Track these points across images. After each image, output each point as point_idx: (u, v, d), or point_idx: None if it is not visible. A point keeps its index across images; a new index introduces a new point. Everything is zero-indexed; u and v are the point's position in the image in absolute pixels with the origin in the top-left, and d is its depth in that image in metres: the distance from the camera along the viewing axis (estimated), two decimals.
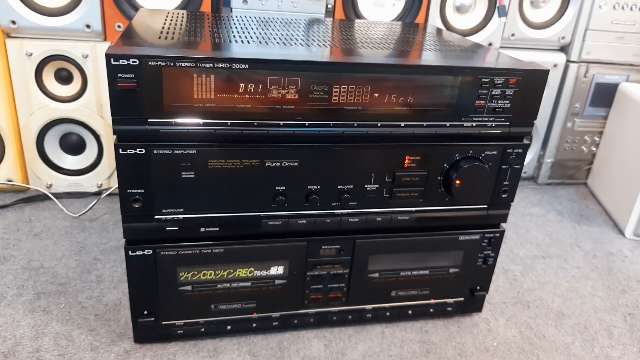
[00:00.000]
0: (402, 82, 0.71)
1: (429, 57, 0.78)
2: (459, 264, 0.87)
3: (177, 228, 0.73)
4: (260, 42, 0.76)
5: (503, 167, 0.80)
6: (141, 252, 0.73)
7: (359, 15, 1.23)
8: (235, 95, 0.67)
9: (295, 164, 0.73)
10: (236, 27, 0.86)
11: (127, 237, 0.73)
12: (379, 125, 0.73)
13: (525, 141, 0.80)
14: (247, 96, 0.67)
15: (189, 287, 0.78)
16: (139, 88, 0.63)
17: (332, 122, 0.71)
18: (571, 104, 1.44)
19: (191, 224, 0.73)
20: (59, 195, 1.22)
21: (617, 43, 1.39)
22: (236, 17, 0.98)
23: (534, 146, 1.50)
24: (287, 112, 0.69)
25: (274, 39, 0.79)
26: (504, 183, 0.82)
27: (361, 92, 0.71)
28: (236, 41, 0.75)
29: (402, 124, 0.74)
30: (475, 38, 1.31)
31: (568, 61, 1.39)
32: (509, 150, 0.79)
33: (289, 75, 0.67)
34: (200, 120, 0.67)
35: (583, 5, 1.34)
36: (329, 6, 1.20)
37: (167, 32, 0.76)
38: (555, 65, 1.38)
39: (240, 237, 0.76)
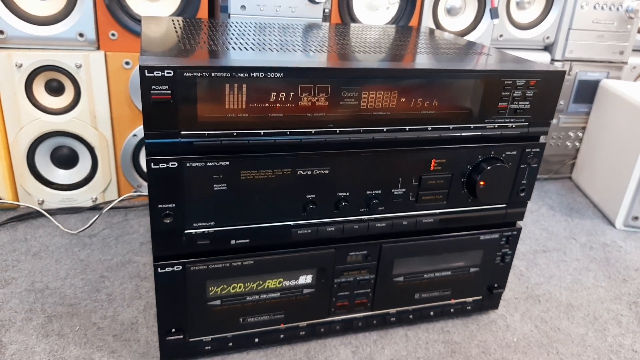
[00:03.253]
0: (429, 87, 0.72)
1: (454, 61, 0.79)
2: (479, 263, 0.89)
3: (208, 242, 0.71)
4: (282, 49, 0.75)
5: (522, 166, 0.82)
6: (170, 269, 0.71)
7: (354, 19, 1.24)
8: (267, 105, 0.66)
9: (326, 171, 0.72)
10: (249, 34, 0.84)
11: (156, 253, 0.70)
12: (407, 129, 0.73)
13: (542, 140, 0.82)
14: (278, 105, 0.67)
15: (218, 302, 0.76)
16: (173, 100, 0.61)
17: (362, 128, 0.71)
18: None
19: (222, 237, 0.72)
20: (51, 212, 1.17)
21: (598, 41, 1.44)
22: (238, 23, 0.96)
23: None
24: (318, 119, 0.69)
25: (292, 45, 0.78)
26: (522, 182, 0.84)
27: (389, 98, 0.71)
28: (259, 49, 0.74)
29: (429, 127, 0.74)
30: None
31: (552, 60, 1.44)
32: (527, 150, 0.81)
33: (320, 83, 0.67)
34: (234, 132, 0.66)
35: (566, 5, 1.39)
36: (326, 11, 1.20)
37: (187, 42, 0.74)
38: None
39: (270, 248, 0.75)
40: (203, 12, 1.13)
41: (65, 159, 1.18)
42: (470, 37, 1.34)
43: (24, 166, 1.14)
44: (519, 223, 0.89)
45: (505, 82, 0.75)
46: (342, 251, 0.79)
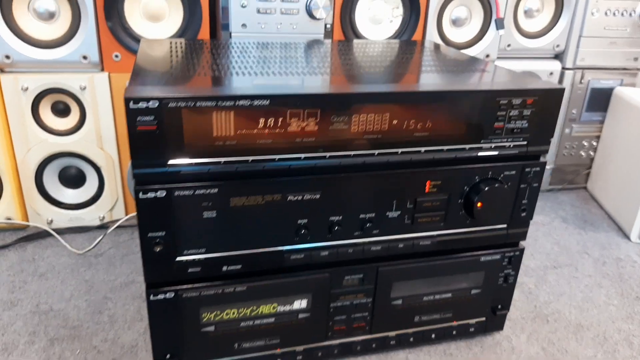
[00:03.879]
0: (422, 108, 0.71)
1: (446, 81, 0.77)
2: (481, 285, 0.87)
3: (199, 269, 0.71)
4: (273, 73, 0.74)
5: (522, 186, 0.80)
6: (163, 296, 0.71)
7: (357, 34, 1.23)
8: (255, 131, 0.66)
9: (317, 196, 0.71)
10: (244, 56, 0.84)
11: (148, 280, 0.71)
12: (399, 152, 0.72)
13: (543, 159, 0.80)
14: (267, 131, 0.66)
15: (212, 327, 0.76)
16: (159, 130, 0.61)
17: (352, 152, 0.70)
18: (568, 110, 1.45)
19: (213, 264, 0.71)
20: (60, 231, 1.18)
21: (610, 48, 1.40)
22: (237, 44, 0.97)
23: None
24: (307, 144, 0.68)
25: (286, 68, 0.78)
26: (523, 202, 0.81)
27: (380, 120, 0.70)
28: (250, 73, 0.73)
29: (422, 149, 0.73)
30: (473, 50, 1.31)
31: (563, 68, 1.41)
32: (527, 170, 0.79)
33: (309, 108, 0.66)
34: (221, 159, 0.65)
35: (576, 12, 1.35)
36: (328, 26, 1.19)
37: (178, 67, 0.75)
38: (551, 73, 1.39)
39: (263, 273, 0.75)
40: (205, 32, 1.14)
41: (72, 178, 1.20)
42: (477, 48, 1.31)
43: (32, 186, 1.17)
44: (522, 243, 0.87)
45: (501, 102, 0.73)
46: (338, 275, 0.78)
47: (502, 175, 0.78)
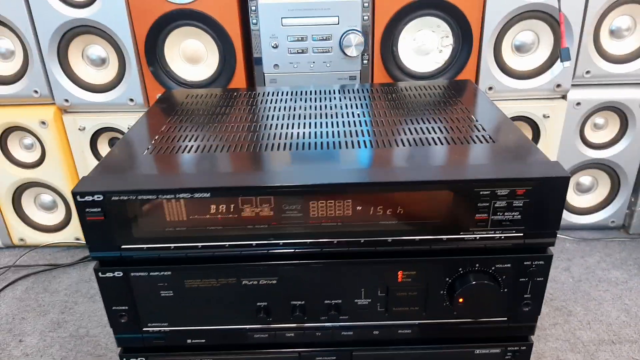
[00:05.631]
0: (386, 196, 0.64)
1: (423, 163, 0.68)
2: None
3: (163, 341, 0.73)
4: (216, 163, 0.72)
5: (521, 280, 0.69)
6: None
7: (401, 68, 1.14)
8: (207, 216, 0.65)
9: (274, 281, 0.69)
10: (201, 132, 0.84)
11: (120, 345, 0.75)
12: (362, 241, 0.67)
13: (550, 252, 0.68)
14: (219, 216, 0.65)
15: None
16: (107, 220, 0.64)
17: (308, 241, 0.67)
18: None
19: (177, 336, 0.73)
20: None
21: None
22: (200, 111, 0.96)
23: (623, 192, 1.29)
24: (259, 232, 0.66)
25: (264, 137, 0.76)
26: (525, 296, 0.70)
27: (342, 207, 0.65)
28: (220, 146, 0.73)
29: (390, 239, 0.66)
30: (540, 80, 1.15)
31: None
32: (526, 263, 0.68)
33: (261, 195, 0.64)
34: (171, 245, 0.66)
35: None
36: (365, 62, 1.13)
37: (156, 145, 0.76)
38: None
39: (229, 348, 0.75)
40: (240, 72, 1.14)
41: None
42: (545, 77, 1.14)
43: None
44: (532, 337, 0.75)
45: (481, 193, 0.63)
46: (308, 355, 0.76)
47: (493, 267, 0.68)
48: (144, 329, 0.73)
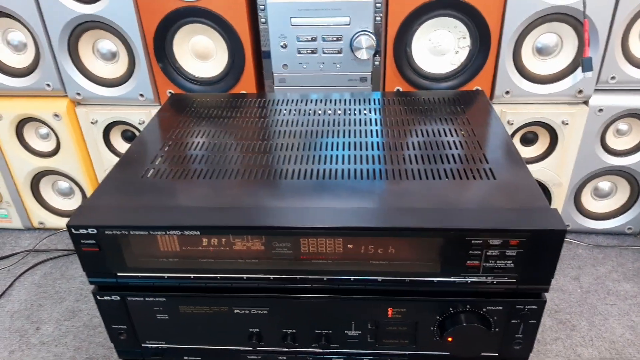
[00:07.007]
0: (378, 238, 0.64)
1: (400, 212, 0.66)
2: None
3: (161, 357, 0.76)
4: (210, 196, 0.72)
5: (513, 321, 0.69)
6: None
7: (414, 69, 1.10)
8: (199, 249, 0.66)
9: (265, 311, 0.70)
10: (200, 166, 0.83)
11: (121, 357, 0.78)
12: (352, 279, 0.67)
13: (544, 297, 0.67)
14: (210, 248, 0.66)
15: None
16: (101, 251, 0.66)
17: (298, 277, 0.67)
18: None
19: (175, 353, 0.76)
20: None
21: None
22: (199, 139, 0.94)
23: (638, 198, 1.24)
24: (250, 266, 0.67)
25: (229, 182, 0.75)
26: (517, 336, 0.70)
27: (333, 245, 0.65)
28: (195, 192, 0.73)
29: (380, 279, 0.66)
30: (561, 85, 1.09)
31: None
32: (519, 307, 0.67)
33: (250, 234, 0.64)
34: (165, 275, 0.68)
35: None
36: (376, 64, 1.09)
37: (152, 172, 0.76)
38: None
39: None
40: (249, 69, 1.12)
41: None
42: (566, 83, 1.09)
43: None
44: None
45: (473, 242, 0.62)
46: None
47: (484, 308, 0.68)
48: (143, 345, 0.76)
